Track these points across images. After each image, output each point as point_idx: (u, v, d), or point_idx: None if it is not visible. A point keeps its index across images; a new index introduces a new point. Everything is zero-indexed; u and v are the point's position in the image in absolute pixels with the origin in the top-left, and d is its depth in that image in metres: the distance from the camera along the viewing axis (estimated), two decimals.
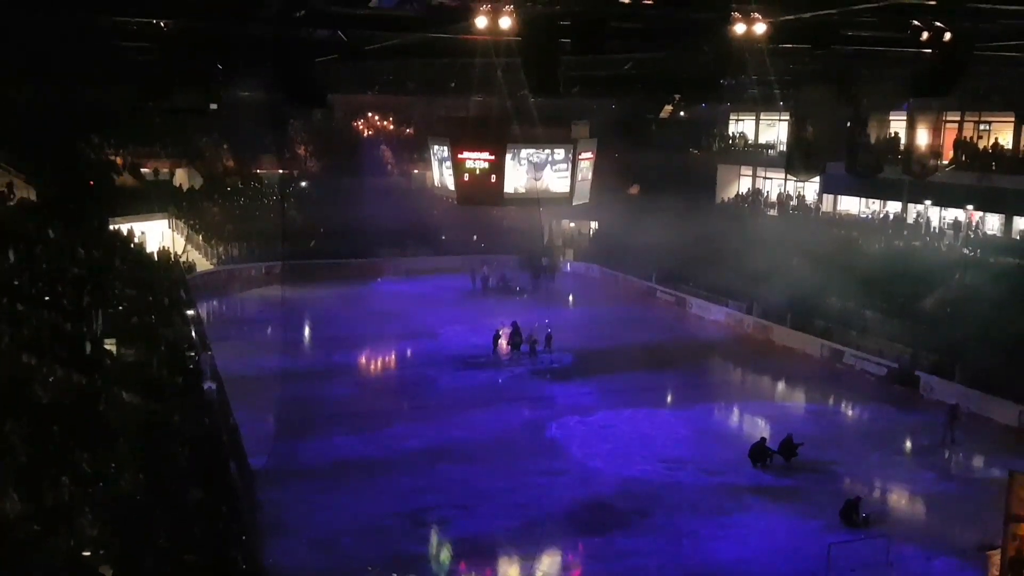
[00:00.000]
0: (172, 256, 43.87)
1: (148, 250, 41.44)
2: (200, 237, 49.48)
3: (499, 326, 36.54)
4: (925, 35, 16.20)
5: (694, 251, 45.38)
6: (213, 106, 25.98)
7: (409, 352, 36.60)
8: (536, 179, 27.43)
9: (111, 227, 40.21)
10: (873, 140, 31.76)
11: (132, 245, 39.51)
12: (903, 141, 36.38)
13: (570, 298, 48.26)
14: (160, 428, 19.05)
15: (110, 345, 22.76)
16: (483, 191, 26.72)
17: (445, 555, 19.85)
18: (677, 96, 32.48)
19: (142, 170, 53.96)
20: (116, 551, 13.45)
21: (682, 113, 52.23)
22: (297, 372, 32.91)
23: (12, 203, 34.16)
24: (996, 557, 12.47)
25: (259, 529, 19.24)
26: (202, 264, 47.63)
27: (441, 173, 29.91)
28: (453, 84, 29.57)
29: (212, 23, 16.03)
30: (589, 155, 29.01)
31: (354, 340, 37.49)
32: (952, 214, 40.87)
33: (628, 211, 50.16)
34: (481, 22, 12.53)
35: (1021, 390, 27.93)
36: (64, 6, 14.91)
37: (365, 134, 66.15)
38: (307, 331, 40.19)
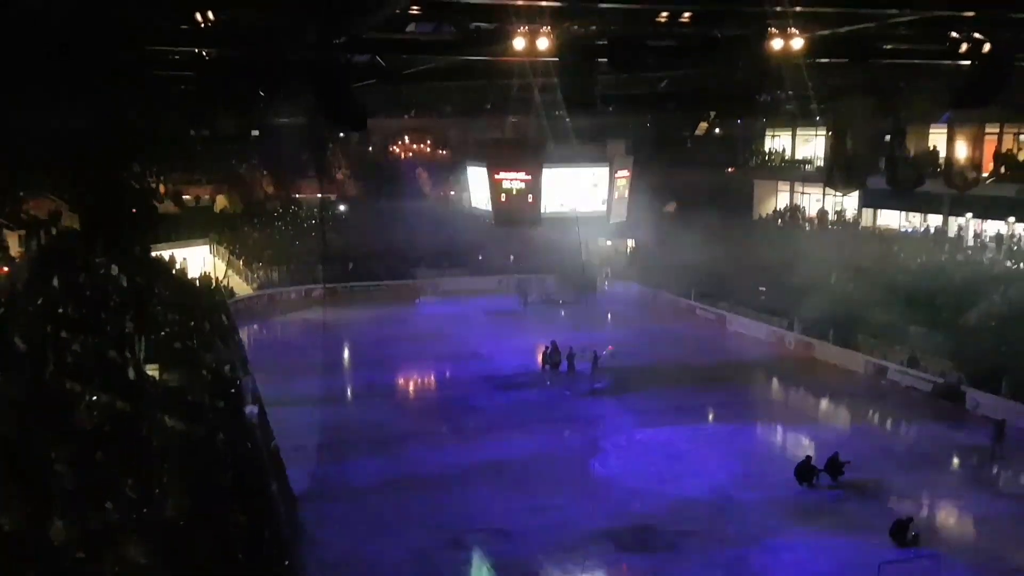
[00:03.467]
0: (213, 281, 44.32)
1: (190, 276, 41.90)
2: (240, 262, 49.99)
3: (539, 345, 36.36)
4: (964, 47, 15.96)
5: (733, 268, 44.94)
6: (254, 132, 26.31)
7: (448, 373, 36.53)
8: (573, 198, 27.46)
9: (153, 253, 40.72)
10: (912, 153, 31.36)
11: (174, 271, 39.97)
12: (943, 154, 35.88)
13: (608, 316, 47.97)
14: (203, 452, 19.10)
15: (153, 370, 22.93)
16: (520, 211, 26.79)
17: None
18: (712, 113, 32.35)
19: (183, 196, 54.76)
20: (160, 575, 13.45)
21: (717, 130, 52.06)
22: (337, 395, 33.02)
23: (57, 230, 34.72)
24: None
25: (301, 553, 19.20)
26: (242, 289, 48.07)
27: (478, 194, 30.05)
28: (489, 106, 29.73)
29: (254, 51, 16.19)
30: (625, 173, 29.02)
31: (394, 362, 37.53)
32: (994, 227, 40.13)
33: (665, 229, 49.91)
34: (519, 44, 12.51)
35: None
36: (109, 36, 15.14)
37: (402, 157, 66.63)
38: (347, 353, 40.30)
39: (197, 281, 41.85)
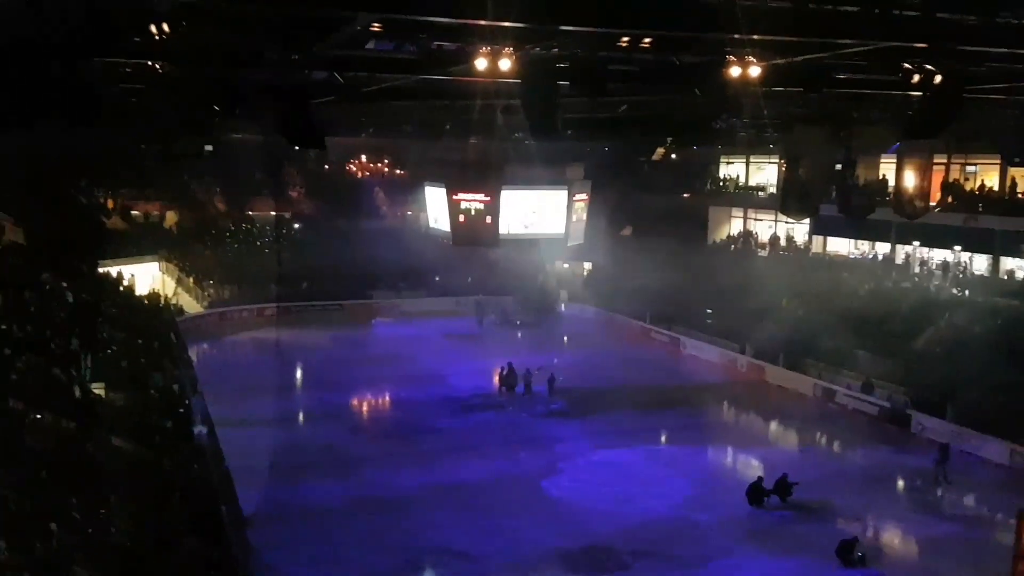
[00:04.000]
0: (163, 299, 43.56)
1: (138, 293, 41.14)
2: (191, 280, 49.22)
3: (496, 368, 36.28)
4: (916, 78, 16.32)
5: (687, 292, 45.39)
6: (208, 148, 25.95)
7: (404, 394, 36.23)
8: (531, 221, 27.56)
9: (101, 270, 39.92)
10: (863, 182, 32.00)
11: (122, 288, 39.22)
12: (892, 183, 36.64)
13: (565, 339, 48.08)
14: (151, 474, 18.71)
15: (99, 390, 22.44)
16: (479, 232, 26.77)
17: None
18: (670, 139, 32.74)
19: (133, 212, 53.83)
20: None
21: (674, 156, 52.78)
22: (290, 416, 32.60)
23: (1, 246, 33.89)
24: None
25: (250, 574, 18.82)
26: (192, 307, 47.30)
27: (436, 215, 30.00)
28: (448, 127, 29.71)
29: (211, 67, 16.00)
30: (583, 196, 29.20)
31: (348, 383, 37.13)
32: (940, 254, 41.07)
33: (622, 252, 50.27)
34: (481, 64, 12.53)
35: (1012, 428, 27.88)
36: (57, 49, 14.85)
37: (359, 176, 66.28)
38: (300, 374, 39.82)
39: (146, 299, 41.11)
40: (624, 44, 13.07)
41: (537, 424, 31.80)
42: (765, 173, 50.21)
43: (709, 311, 43.84)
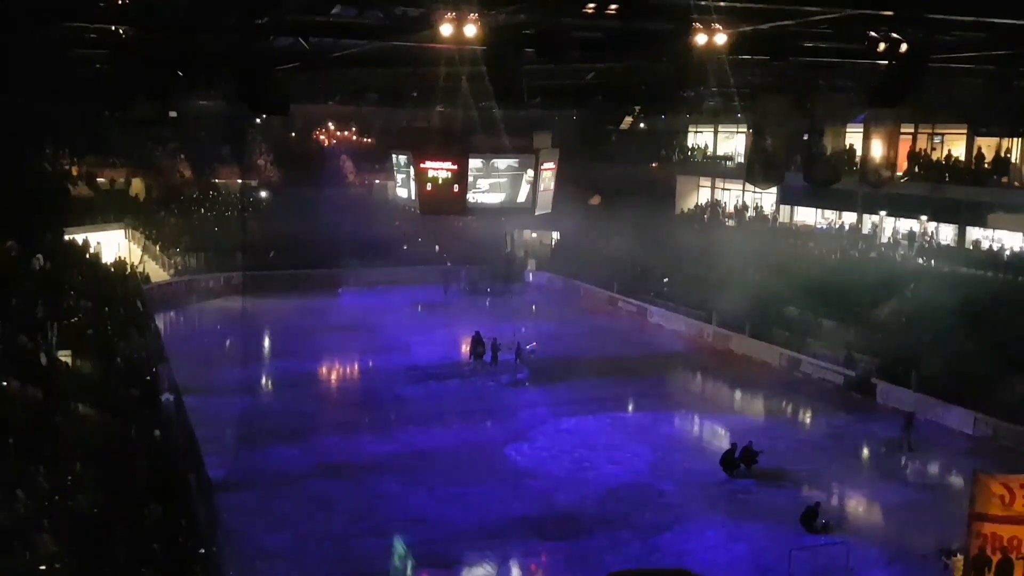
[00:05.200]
0: (128, 267, 43.16)
1: (104, 261, 40.72)
2: (157, 248, 48.80)
3: (463, 336, 36.39)
4: (882, 46, 16.48)
5: (655, 261, 45.70)
6: (172, 115, 25.60)
7: (370, 363, 36.36)
8: (498, 189, 27.55)
9: (66, 238, 39.46)
10: (829, 151, 32.24)
11: (87, 256, 38.82)
12: (859, 152, 36.99)
13: (532, 308, 48.30)
14: (117, 442, 18.70)
15: (65, 357, 22.32)
16: (446, 201, 26.75)
17: (407, 566, 19.73)
18: (637, 108, 32.74)
19: (98, 180, 53.13)
20: (73, 567, 13.16)
21: (642, 125, 52.70)
22: (256, 384, 32.61)
23: None
24: (959, 563, 12.68)
25: (217, 543, 18.93)
26: (158, 275, 46.91)
27: (403, 183, 29.88)
28: (415, 94, 29.55)
29: (172, 31, 15.81)
30: (551, 165, 29.18)
31: (315, 352, 37.18)
32: (906, 224, 41.60)
33: (589, 222, 50.42)
34: (446, 30, 12.51)
35: (975, 397, 28.46)
36: (18, 13, 14.63)
37: (326, 144, 65.80)
38: (266, 343, 39.74)
39: (112, 267, 40.72)
40: (589, 11, 13.08)
41: (503, 393, 32.06)
42: (733, 142, 50.49)
43: (665, 280, 44.22)
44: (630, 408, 31.05)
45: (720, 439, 26.91)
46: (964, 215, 38.82)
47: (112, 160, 54.43)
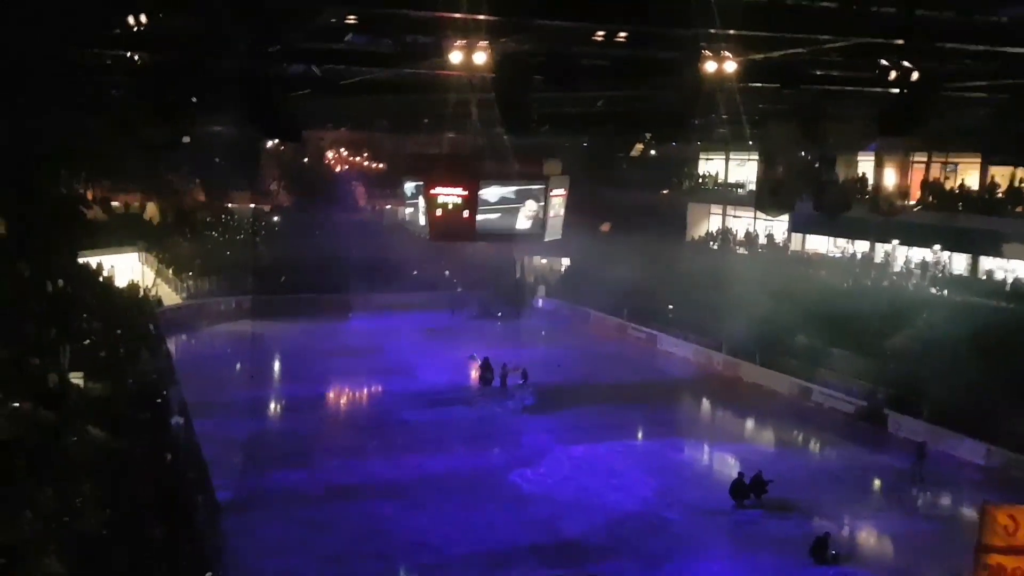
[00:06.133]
0: (141, 290, 43.44)
1: (117, 284, 41.01)
2: (170, 271, 49.13)
3: (471, 362, 36.40)
4: (893, 74, 16.56)
5: (665, 288, 45.68)
6: (185, 140, 25.83)
7: (379, 388, 36.39)
8: (508, 216, 27.66)
9: (80, 260, 39.78)
10: (841, 179, 32.24)
11: (101, 279, 39.11)
12: (871, 181, 37.00)
13: (542, 334, 48.30)
14: (126, 464, 18.74)
15: (77, 379, 22.42)
16: (456, 227, 26.79)
17: None
18: (647, 135, 32.88)
19: (112, 204, 53.62)
20: None
21: (652, 152, 52.88)
22: (265, 407, 32.72)
23: None
24: None
25: (223, 565, 18.94)
26: (171, 298, 47.22)
27: (414, 209, 30.02)
28: (426, 120, 29.78)
29: (186, 57, 16.04)
30: (561, 192, 29.21)
31: (323, 375, 37.26)
32: (919, 253, 41.49)
33: (599, 248, 50.51)
34: (456, 58, 12.68)
35: (988, 428, 28.27)
36: (36, 38, 14.90)
37: (337, 170, 66.24)
38: (276, 366, 39.87)
39: (125, 290, 40.99)
40: (599, 39, 13.23)
41: (511, 419, 31.99)
42: (745, 169, 50.49)
43: (671, 307, 44.19)
44: (638, 436, 30.94)
45: (729, 468, 26.76)
46: (977, 244, 38.67)
47: (127, 184, 54.94)
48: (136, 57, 17.01)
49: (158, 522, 16.47)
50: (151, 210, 55.48)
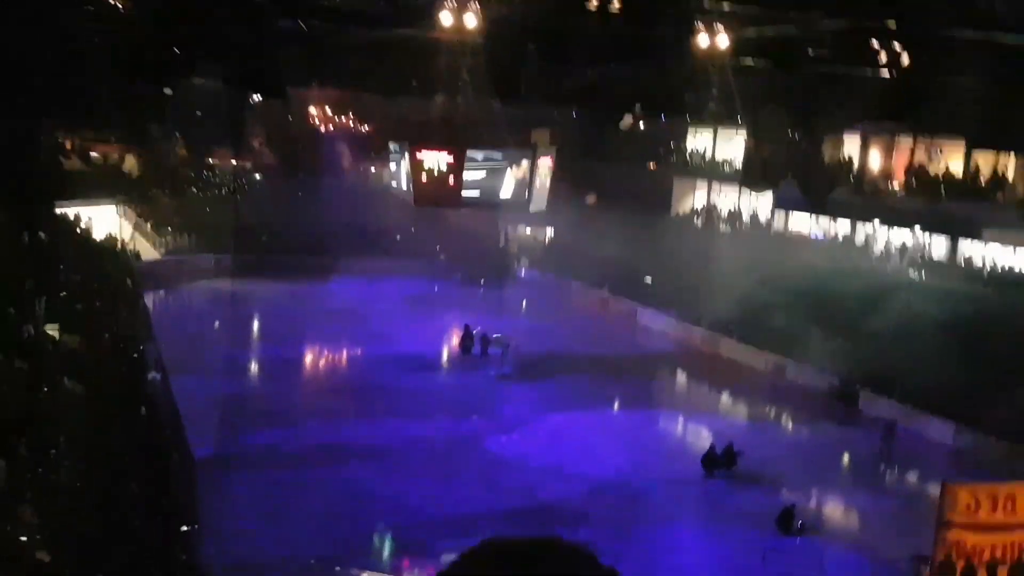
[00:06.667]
0: (119, 243, 43.18)
1: (95, 236, 40.76)
2: (148, 226, 48.77)
3: (450, 330, 36.56)
4: (883, 58, 16.72)
5: (648, 263, 45.89)
6: (167, 92, 25.67)
7: (358, 352, 36.50)
8: (494, 183, 27.79)
9: (57, 211, 39.42)
10: (827, 160, 32.56)
11: (79, 230, 38.85)
12: (855, 163, 37.31)
13: (523, 304, 48.46)
14: (102, 417, 18.82)
15: (52, 331, 22.39)
16: (440, 193, 26.90)
17: (388, 552, 19.93)
18: (637, 107, 32.93)
19: (91, 154, 53.06)
20: (53, 541, 13.29)
21: (642, 125, 52.92)
22: (242, 367, 32.75)
23: None
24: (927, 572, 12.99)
25: (199, 521, 19.09)
26: (149, 253, 46.91)
27: (399, 173, 30.07)
28: (414, 83, 29.68)
29: (172, 8, 15.95)
30: (548, 162, 29.38)
31: (302, 338, 37.27)
32: (900, 236, 41.87)
33: (584, 221, 50.58)
34: (446, 19, 12.69)
35: (956, 409, 28.77)
36: None
37: (323, 130, 65.71)
38: (255, 326, 39.86)
39: (103, 242, 40.75)
40: (592, 7, 13.26)
41: (489, 387, 32.19)
42: (732, 146, 50.51)
43: (648, 279, 44.45)
44: (616, 406, 31.28)
45: (702, 440, 27.13)
46: (958, 228, 39.07)
47: (106, 135, 54.28)
48: (120, 5, 16.86)
49: (134, 476, 16.60)
50: (130, 162, 54.89)
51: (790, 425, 31.46)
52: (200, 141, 57.36)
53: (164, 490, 17.34)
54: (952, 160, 40.42)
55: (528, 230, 58.69)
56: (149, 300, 38.03)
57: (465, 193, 27.63)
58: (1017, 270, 36.52)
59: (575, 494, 22.81)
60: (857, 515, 23.75)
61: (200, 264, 47.62)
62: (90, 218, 43.18)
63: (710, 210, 52.04)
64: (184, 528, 16.64)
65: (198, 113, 52.23)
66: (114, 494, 15.76)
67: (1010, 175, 37.66)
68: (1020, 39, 14.60)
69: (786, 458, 26.59)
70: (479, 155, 27.47)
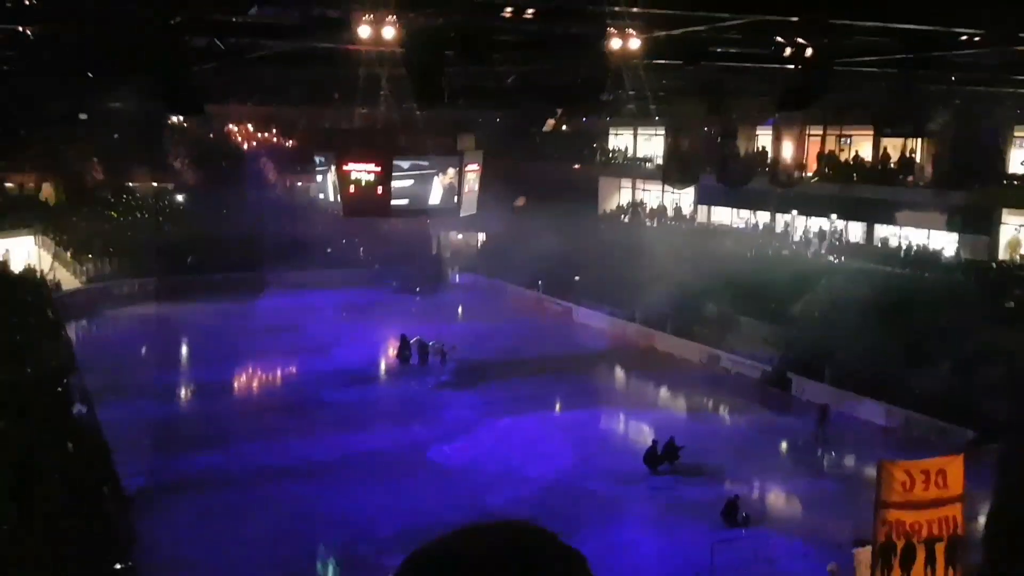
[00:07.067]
0: (39, 274, 41.76)
1: (12, 268, 39.37)
2: (68, 254, 47.29)
3: (387, 340, 36.17)
4: (788, 51, 16.97)
5: (579, 261, 46.14)
6: (83, 116, 24.90)
7: (293, 368, 35.84)
8: (422, 191, 27.51)
9: None
10: (742, 153, 33.01)
11: None
12: (770, 154, 37.98)
13: (459, 309, 48.28)
14: (29, 453, 18.09)
15: None
16: (369, 203, 26.55)
17: (336, 572, 19.55)
18: (560, 110, 32.99)
19: (6, 184, 51.28)
20: None
21: (564, 127, 53.10)
22: (175, 391, 31.96)
23: None
24: (863, 554, 13.12)
25: (135, 555, 18.45)
26: (70, 282, 45.47)
27: (327, 185, 29.60)
28: (336, 95, 29.26)
29: (82, 30, 15.39)
30: (475, 167, 29.20)
31: (235, 357, 36.47)
32: (817, 223, 42.81)
33: (514, 223, 50.64)
34: (364, 32, 12.45)
35: (887, 390, 29.42)
36: None
37: (245, 146, 64.65)
38: (184, 349, 38.98)
39: (21, 274, 39.37)
40: (507, 15, 13.17)
41: (429, 395, 31.95)
42: (652, 144, 51.21)
43: (576, 278, 44.67)
44: (557, 407, 31.26)
45: (644, 436, 27.21)
46: (872, 213, 40.11)
47: (21, 163, 52.50)
48: (28, 31, 16.22)
49: (62, 514, 15.97)
50: (47, 191, 53.20)
51: (727, 415, 31.82)
52: (118, 163, 55.93)
53: (95, 527, 16.71)
54: (861, 147, 41.50)
55: (459, 235, 58.59)
56: (72, 330, 36.92)
57: (394, 202, 27.35)
58: (931, 249, 37.57)
59: (523, 498, 22.68)
60: (798, 501, 24.06)
61: (124, 290, 46.37)
62: (7, 250, 41.75)
63: (635, 206, 52.60)
64: (118, 566, 16.04)
65: (115, 135, 50.97)
66: (46, 532, 15.13)
67: (918, 157, 38.70)
68: (920, 27, 14.92)
69: (726, 449, 26.83)
70: (406, 163, 27.22)
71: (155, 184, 57.00)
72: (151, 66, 15.45)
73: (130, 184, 56.51)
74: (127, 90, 26.20)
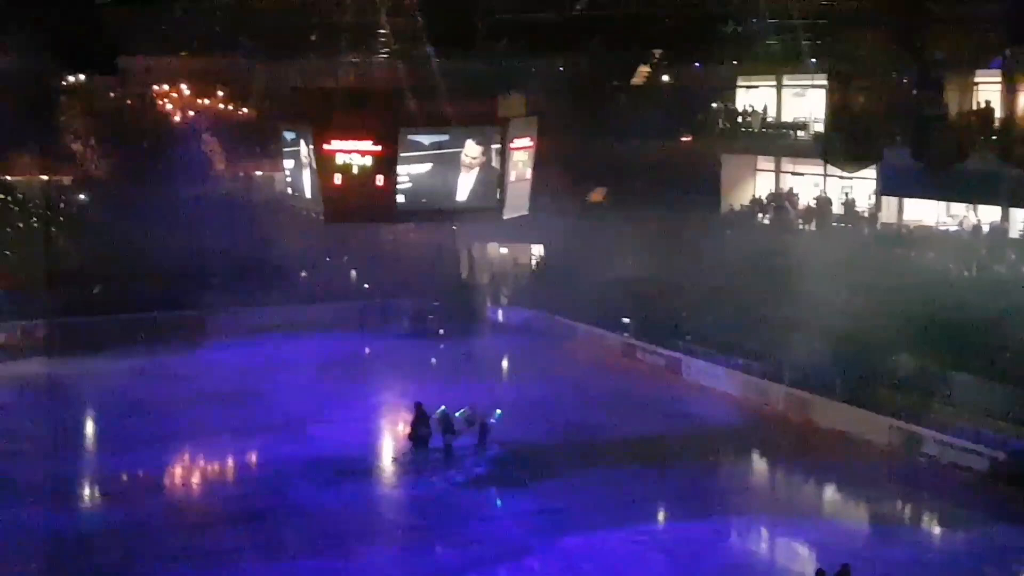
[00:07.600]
0: None
1: None
2: None
3: (394, 410, 36.20)
4: None
5: (690, 288, 45.86)
6: None
7: (254, 456, 36.02)
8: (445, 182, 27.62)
9: None
10: (953, 112, 32.60)
11: None
12: (998, 113, 37.44)
13: (503, 363, 48.31)
14: None
15: None
16: (364, 201, 26.75)
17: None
18: (656, 52, 33.02)
19: None
20: None
21: (665, 78, 53.11)
22: (72, 490, 32.25)
23: None
24: None
25: None
26: None
27: (300, 175, 29.85)
28: (313, 39, 29.60)
29: None
30: (526, 143, 29.29)
31: (163, 439, 36.71)
32: None
33: (589, 229, 50.58)
34: None
35: None
36: None
37: (178, 118, 65.74)
38: (90, 427, 39.41)
39: None
40: None
41: (457, 497, 31.82)
42: (807, 102, 50.84)
43: (684, 314, 44.70)
44: (661, 517, 31.04)
45: (802, 561, 26.98)
46: None
47: None
48: None
49: None
50: None
51: (935, 529, 31.32)
52: None
53: None
54: None
55: (504, 249, 58.76)
56: None
57: (402, 199, 27.47)
58: None
59: None
60: None
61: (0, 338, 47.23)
62: None
63: (781, 199, 52.23)
64: None
65: None
66: None
67: None
68: None
69: None
70: (422, 139, 27.38)
71: (45, 178, 58.12)
72: (43, 7, 15.75)
73: (8, 179, 57.70)
74: (11, 41, 26.77)
